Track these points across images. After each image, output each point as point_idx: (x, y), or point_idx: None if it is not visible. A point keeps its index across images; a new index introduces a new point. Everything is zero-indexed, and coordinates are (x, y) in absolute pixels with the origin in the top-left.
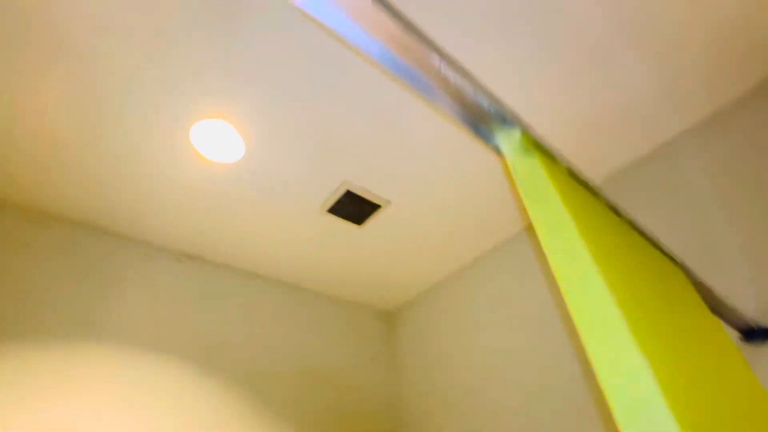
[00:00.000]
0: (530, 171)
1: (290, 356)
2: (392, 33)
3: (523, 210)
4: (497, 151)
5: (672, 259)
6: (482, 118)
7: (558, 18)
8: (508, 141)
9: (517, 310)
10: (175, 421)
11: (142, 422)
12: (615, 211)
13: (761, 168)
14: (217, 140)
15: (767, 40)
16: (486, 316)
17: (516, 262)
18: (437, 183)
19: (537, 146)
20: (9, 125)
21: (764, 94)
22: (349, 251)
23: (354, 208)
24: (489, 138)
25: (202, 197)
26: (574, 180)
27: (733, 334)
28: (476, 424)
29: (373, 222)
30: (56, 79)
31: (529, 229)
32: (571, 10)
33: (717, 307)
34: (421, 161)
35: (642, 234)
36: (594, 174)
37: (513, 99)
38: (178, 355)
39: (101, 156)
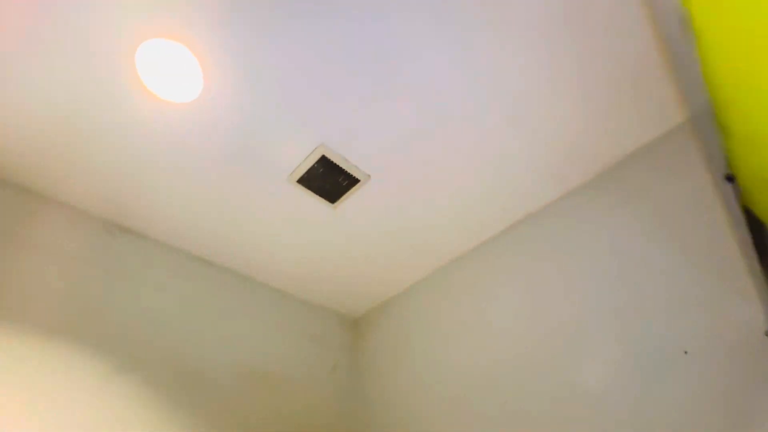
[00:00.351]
0: None
1: (234, 356)
2: None
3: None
4: None
5: None
6: None
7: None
8: None
9: (503, 318)
10: (79, 425)
11: (28, 426)
12: None
13: None
14: (168, 71)
15: None
16: (466, 325)
17: (503, 263)
18: (426, 161)
19: None
20: None
21: None
22: (316, 236)
23: (328, 180)
24: None
25: (140, 148)
26: None
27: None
28: None
29: (349, 201)
30: None
31: (520, 224)
32: None
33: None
34: (413, 131)
35: None
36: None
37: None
38: (90, 343)
39: (12, 88)
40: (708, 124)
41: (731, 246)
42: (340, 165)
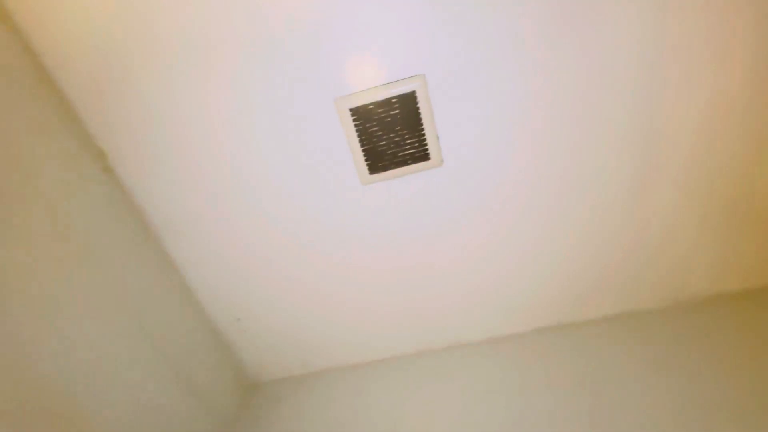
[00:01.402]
0: None
1: (17, 351)
2: None
3: None
4: None
5: None
6: None
7: None
8: None
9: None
10: None
11: None
12: None
13: None
14: None
15: None
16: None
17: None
18: (529, 202)
19: None
20: None
21: None
22: (296, 221)
23: (391, 133)
24: None
25: None
26: None
27: None
28: None
29: (390, 185)
30: None
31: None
32: None
33: None
34: (561, 149)
35: None
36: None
37: None
38: None
39: None
40: None
41: None
42: (424, 121)
